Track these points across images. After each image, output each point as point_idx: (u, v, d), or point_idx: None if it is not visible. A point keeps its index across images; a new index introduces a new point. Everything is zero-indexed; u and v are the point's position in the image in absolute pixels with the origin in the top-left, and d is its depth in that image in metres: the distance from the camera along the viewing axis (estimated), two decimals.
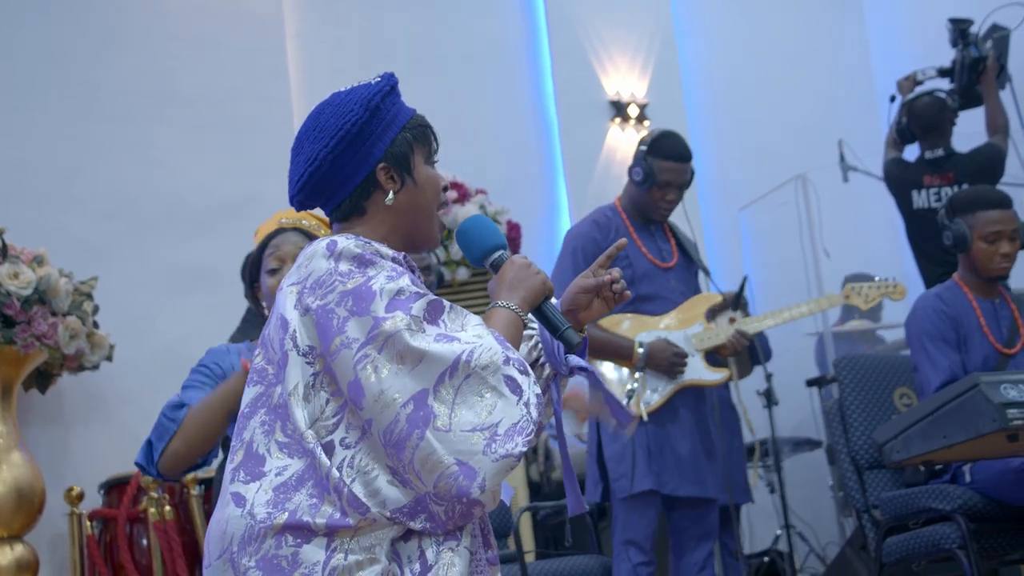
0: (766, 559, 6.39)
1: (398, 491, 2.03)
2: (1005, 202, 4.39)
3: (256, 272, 3.16)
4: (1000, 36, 6.31)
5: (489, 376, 2.03)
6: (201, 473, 5.06)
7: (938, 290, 4.43)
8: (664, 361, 4.47)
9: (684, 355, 4.50)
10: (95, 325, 5.39)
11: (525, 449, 2.01)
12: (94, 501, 5.32)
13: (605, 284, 2.29)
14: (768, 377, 5.68)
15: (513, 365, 2.05)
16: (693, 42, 8.25)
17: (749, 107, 8.14)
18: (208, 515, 4.70)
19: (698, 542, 4.59)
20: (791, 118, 8.02)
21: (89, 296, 5.41)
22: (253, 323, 4.79)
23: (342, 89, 2.35)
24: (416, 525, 2.05)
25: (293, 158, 2.32)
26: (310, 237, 3.16)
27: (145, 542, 5.07)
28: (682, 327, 4.62)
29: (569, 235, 4.74)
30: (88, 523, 5.19)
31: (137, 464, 3.03)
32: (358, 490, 2.03)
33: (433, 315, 2.11)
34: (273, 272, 3.10)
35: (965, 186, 5.64)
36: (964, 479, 4.13)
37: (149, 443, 3.00)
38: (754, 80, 8.20)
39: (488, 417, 2.00)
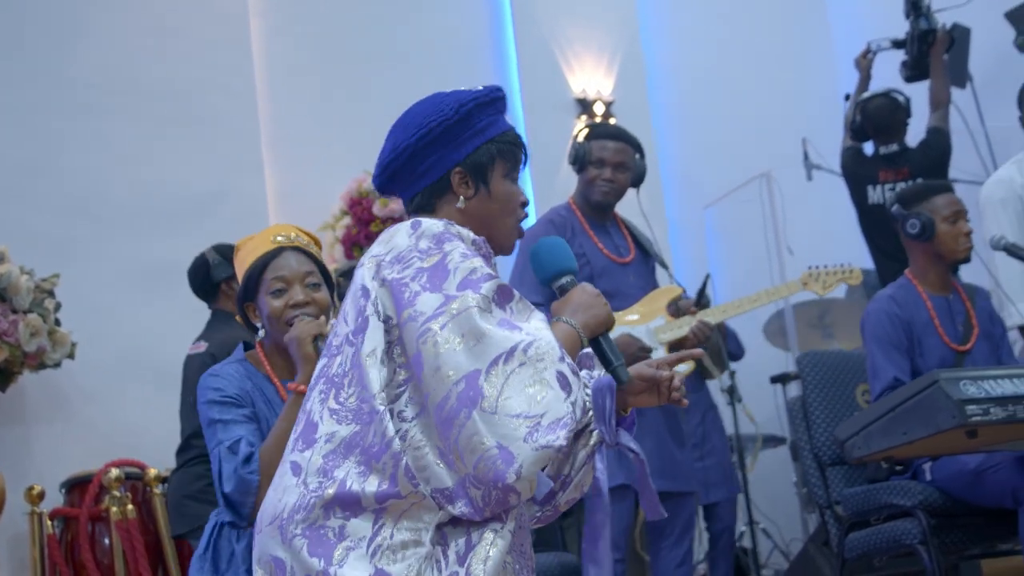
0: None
1: (444, 472, 2.07)
2: (950, 188, 4.45)
3: (252, 291, 3.09)
4: (960, 35, 6.36)
5: (542, 368, 2.05)
6: (163, 472, 5.04)
7: (891, 290, 4.43)
8: (630, 357, 4.48)
9: (648, 350, 4.51)
10: (57, 323, 5.35)
11: (565, 444, 2.03)
12: (55, 500, 5.28)
13: (662, 381, 2.29)
14: (732, 374, 5.70)
15: (566, 364, 2.08)
16: (659, 40, 8.27)
17: (714, 105, 8.16)
18: (172, 514, 4.68)
19: (676, 538, 4.59)
20: (756, 116, 8.06)
21: (51, 293, 5.37)
22: (220, 324, 4.77)
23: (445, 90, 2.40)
24: (455, 510, 2.07)
25: (384, 143, 2.39)
26: (309, 256, 3.14)
27: (107, 541, 5.03)
28: (644, 321, 4.63)
29: (525, 238, 4.73)
30: (49, 522, 5.15)
31: (228, 524, 2.97)
32: (410, 462, 2.06)
33: (502, 300, 2.15)
34: (279, 294, 3.05)
35: (919, 179, 5.68)
36: (925, 477, 4.16)
37: (228, 499, 2.91)
38: (719, 78, 8.23)
39: (535, 407, 2.03)
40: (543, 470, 2.09)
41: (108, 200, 6.29)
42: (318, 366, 2.24)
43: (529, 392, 2.03)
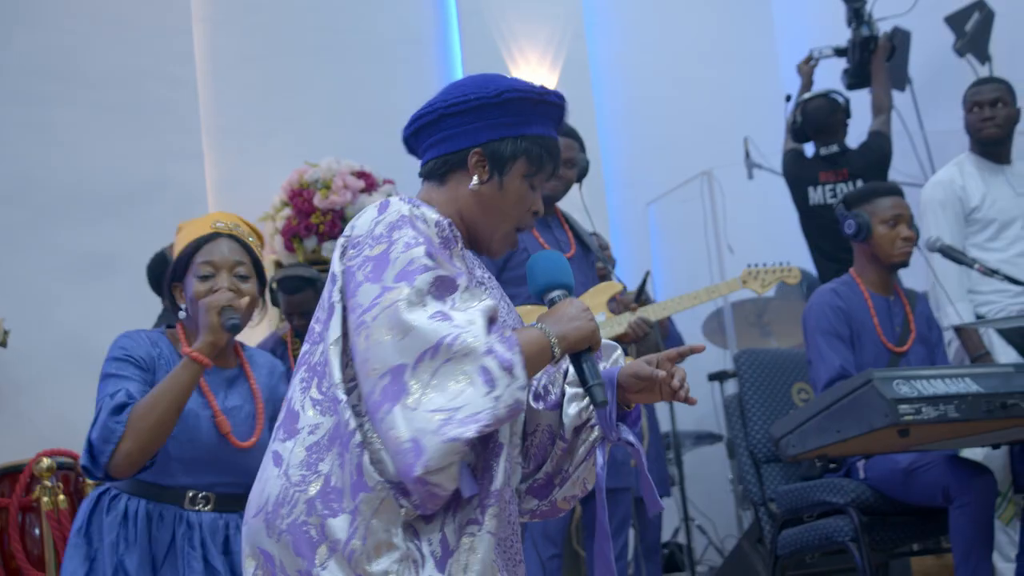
0: (665, 551, 6.44)
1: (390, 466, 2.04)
2: (898, 190, 4.48)
3: (181, 272, 3.08)
4: (900, 39, 6.42)
5: (466, 363, 2.00)
6: None
7: (834, 284, 4.48)
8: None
9: None
10: None
11: (475, 436, 1.97)
12: None
13: (662, 381, 2.23)
14: None
15: (494, 358, 2.01)
16: (603, 37, 8.28)
17: (657, 103, 8.19)
18: None
19: (613, 532, 4.60)
20: (698, 115, 8.09)
21: None
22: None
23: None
24: (407, 503, 2.04)
25: (433, 97, 2.33)
26: (243, 247, 3.12)
27: (37, 531, 4.96)
28: None
29: None
30: None
31: (83, 467, 2.94)
32: (367, 457, 2.03)
33: (441, 291, 2.08)
34: (205, 279, 3.04)
35: (859, 181, 5.74)
36: (858, 474, 4.20)
37: (91, 444, 2.91)
38: (663, 76, 8.25)
39: (453, 401, 1.98)
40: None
41: (45, 187, 6.21)
42: (303, 350, 2.20)
43: (451, 388, 1.98)
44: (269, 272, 6.33)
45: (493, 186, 2.26)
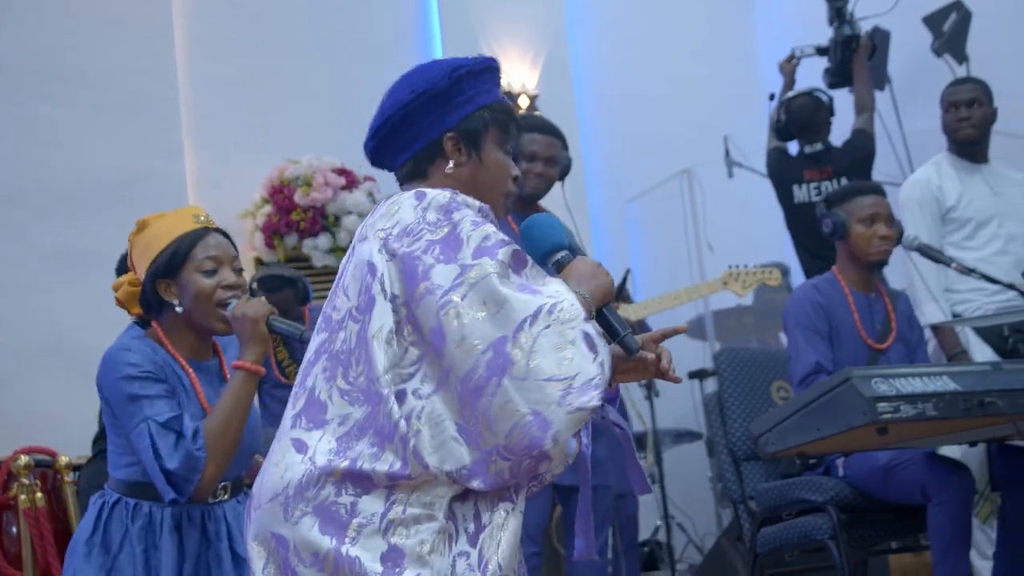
0: (645, 549, 6.45)
1: (463, 450, 2.04)
2: (878, 189, 4.51)
3: (177, 268, 3.03)
4: (880, 38, 6.45)
5: (568, 330, 2.03)
6: (75, 460, 4.97)
7: (816, 281, 4.50)
8: None
9: None
10: None
11: (599, 404, 2.01)
12: None
13: (649, 363, 2.26)
14: None
15: (592, 324, 2.06)
16: (584, 35, 8.29)
17: (637, 101, 8.20)
18: (83, 504, 4.61)
19: (594, 530, 4.60)
20: (678, 113, 8.10)
21: None
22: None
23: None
24: (473, 485, 2.04)
25: (376, 111, 2.35)
26: (230, 240, 3.12)
27: (15, 529, 4.94)
28: None
29: None
30: None
31: (174, 501, 2.92)
32: (423, 442, 2.03)
33: (517, 265, 2.11)
34: (211, 273, 3.02)
35: (844, 179, 5.76)
36: (837, 472, 4.22)
37: (169, 475, 2.89)
38: (643, 75, 8.26)
39: (565, 368, 2.00)
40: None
41: (26, 184, 6.19)
42: (319, 339, 2.19)
43: (558, 355, 2.00)
44: (249, 270, 6.32)
45: (474, 163, 2.29)
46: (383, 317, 2.09)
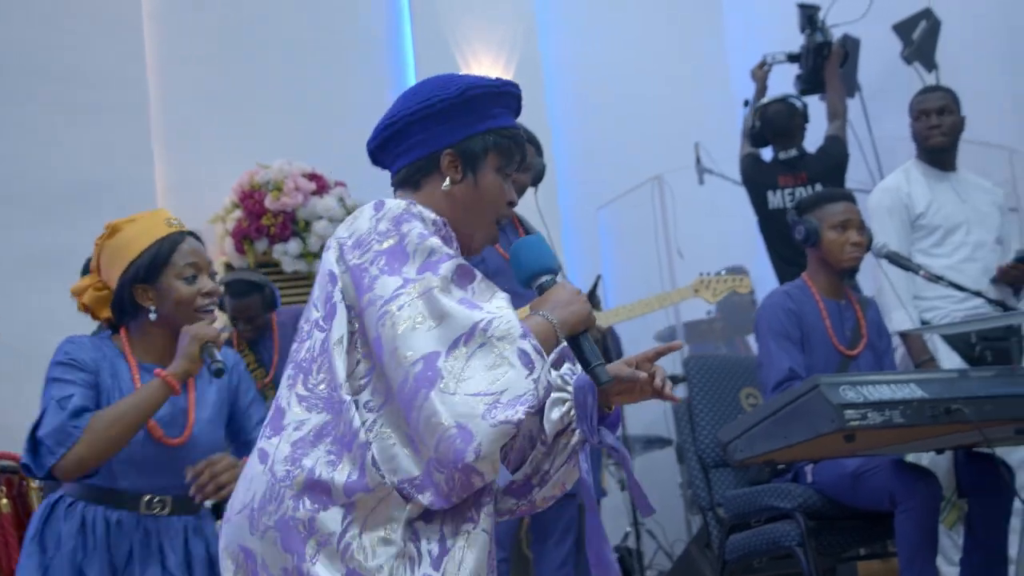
0: (615, 555, 6.45)
1: (411, 461, 2.04)
2: (849, 196, 4.53)
3: (156, 273, 3.02)
4: (850, 46, 6.48)
5: (503, 346, 2.02)
6: None
7: (787, 287, 4.52)
8: None
9: None
10: None
11: (524, 418, 2.00)
12: None
13: (643, 382, 2.22)
14: None
15: (529, 341, 2.04)
16: (556, 41, 8.30)
17: (609, 108, 8.21)
18: None
19: (559, 537, 4.60)
20: (650, 120, 8.11)
21: None
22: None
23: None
24: (424, 500, 2.03)
25: (389, 109, 2.33)
26: (202, 244, 3.12)
27: None
28: None
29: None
30: None
31: (23, 465, 2.92)
32: (376, 454, 2.02)
33: (462, 280, 2.11)
34: (192, 279, 3.02)
35: (818, 185, 5.79)
36: (805, 479, 4.23)
37: (36, 443, 2.89)
38: (615, 81, 8.28)
39: (494, 385, 2.00)
40: (503, 448, 2.06)
41: None
42: (291, 349, 2.19)
43: (490, 372, 2.00)
44: (219, 275, 6.29)
45: (468, 184, 2.27)
46: (342, 326, 2.10)
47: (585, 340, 2.21)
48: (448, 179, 2.26)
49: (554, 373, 2.17)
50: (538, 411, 2.09)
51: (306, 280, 7.01)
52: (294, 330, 6.18)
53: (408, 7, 7.77)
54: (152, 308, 3.02)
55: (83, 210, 6.12)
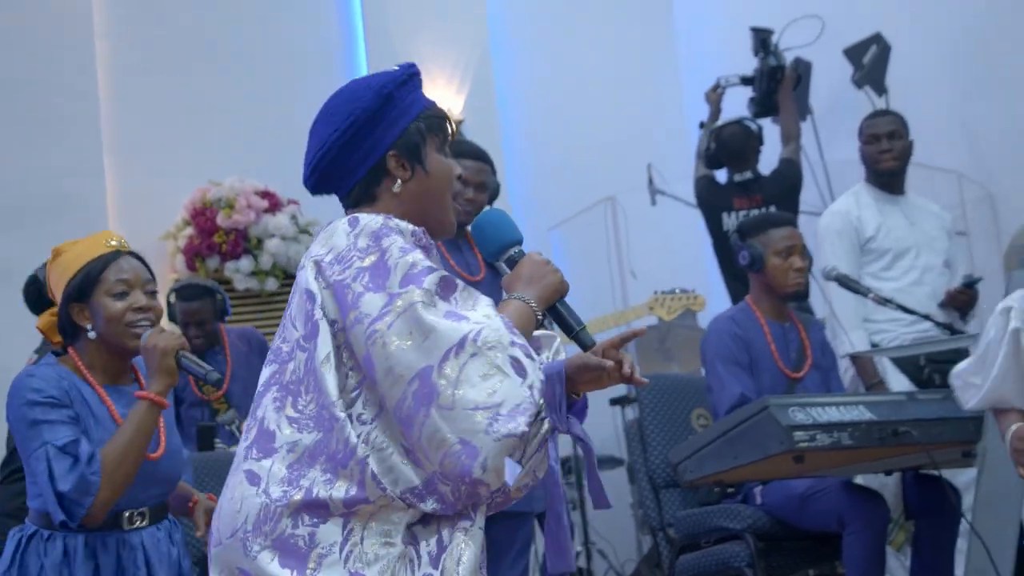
0: (574, 548, 6.44)
1: (411, 471, 2.04)
2: (792, 221, 4.57)
3: (87, 292, 3.01)
4: (802, 70, 6.53)
5: (494, 356, 2.03)
6: None
7: (731, 312, 4.55)
8: None
9: None
10: None
11: (527, 429, 2.01)
12: None
13: (610, 370, 2.19)
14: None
15: (519, 348, 2.05)
16: (509, 61, 8.31)
17: (562, 128, 8.23)
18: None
19: (514, 558, 4.58)
20: (602, 141, 8.13)
21: None
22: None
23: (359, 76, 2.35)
24: (427, 507, 2.05)
25: (308, 142, 2.32)
26: (145, 264, 3.11)
27: None
28: None
29: None
30: None
31: (62, 524, 2.90)
32: (374, 467, 2.02)
33: (445, 292, 2.11)
34: (121, 296, 3.01)
35: (773, 207, 5.81)
36: (755, 500, 4.25)
37: (62, 497, 2.86)
38: (568, 102, 8.30)
39: (491, 397, 2.00)
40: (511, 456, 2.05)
41: None
42: (268, 371, 2.17)
43: (484, 383, 2.01)
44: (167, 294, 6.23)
45: (419, 177, 2.27)
46: (327, 343, 2.09)
47: (563, 307, 2.22)
48: (398, 180, 2.25)
49: None
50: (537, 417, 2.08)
51: (258, 298, 6.97)
52: (247, 349, 6.12)
53: (362, 27, 7.76)
54: (88, 327, 3.02)
55: (33, 225, 6.07)
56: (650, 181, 7.01)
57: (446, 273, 2.14)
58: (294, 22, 7.62)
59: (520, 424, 2.01)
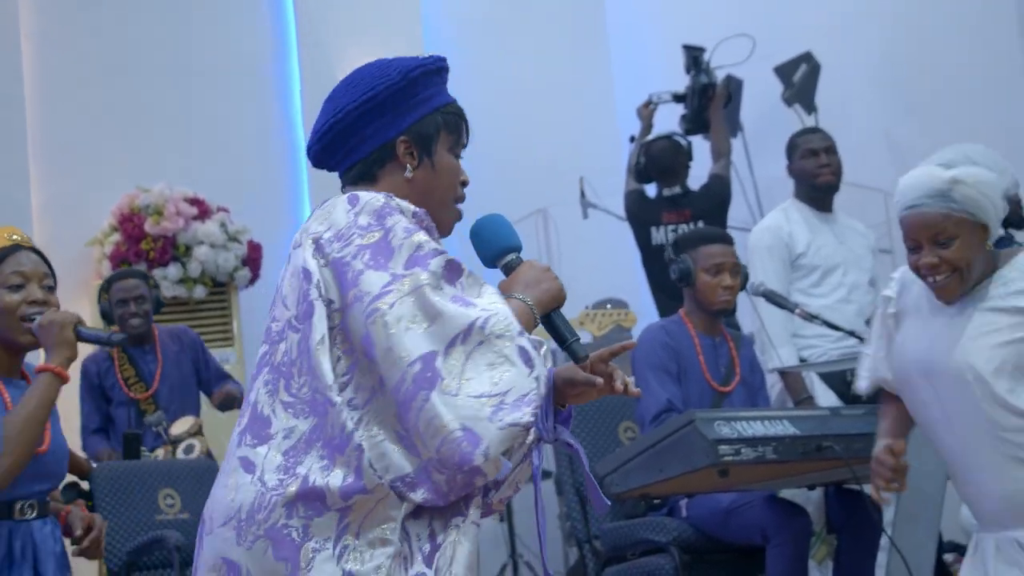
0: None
1: (403, 458, 1.98)
2: (726, 238, 4.58)
3: None
4: (733, 87, 6.59)
5: (502, 345, 1.98)
6: None
7: (664, 323, 4.58)
8: None
9: None
10: None
11: (533, 420, 1.97)
12: None
13: (599, 385, 2.17)
14: None
15: (527, 337, 2.01)
16: None
17: (494, 141, 8.20)
18: None
19: None
20: (535, 153, 8.14)
21: None
22: None
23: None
24: (417, 497, 1.98)
25: (323, 108, 2.24)
26: (44, 259, 3.13)
27: None
28: None
29: None
30: None
31: None
32: (367, 459, 1.97)
33: (452, 276, 2.06)
34: (16, 289, 3.03)
35: (701, 222, 5.86)
36: (680, 513, 4.26)
37: None
38: (499, 115, 8.29)
39: (497, 385, 1.96)
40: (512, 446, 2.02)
41: None
42: (261, 351, 2.12)
43: (490, 371, 1.96)
44: (93, 300, 6.16)
45: (426, 168, 2.22)
46: (323, 325, 2.03)
47: (559, 317, 2.19)
48: (408, 166, 2.21)
49: None
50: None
51: (186, 306, 6.91)
52: (179, 348, 6.08)
53: (295, 35, 7.72)
54: None
55: None
56: (582, 194, 7.03)
57: (452, 256, 2.09)
58: (225, 29, 7.57)
59: (525, 414, 1.97)
